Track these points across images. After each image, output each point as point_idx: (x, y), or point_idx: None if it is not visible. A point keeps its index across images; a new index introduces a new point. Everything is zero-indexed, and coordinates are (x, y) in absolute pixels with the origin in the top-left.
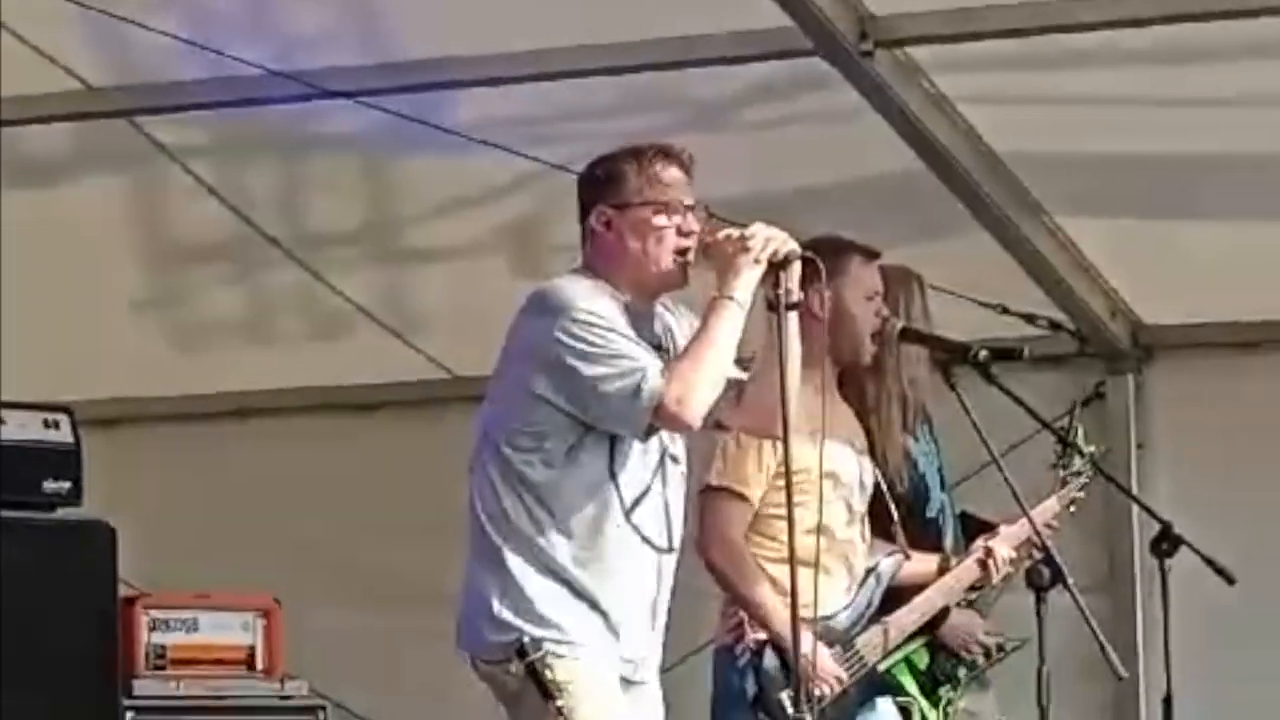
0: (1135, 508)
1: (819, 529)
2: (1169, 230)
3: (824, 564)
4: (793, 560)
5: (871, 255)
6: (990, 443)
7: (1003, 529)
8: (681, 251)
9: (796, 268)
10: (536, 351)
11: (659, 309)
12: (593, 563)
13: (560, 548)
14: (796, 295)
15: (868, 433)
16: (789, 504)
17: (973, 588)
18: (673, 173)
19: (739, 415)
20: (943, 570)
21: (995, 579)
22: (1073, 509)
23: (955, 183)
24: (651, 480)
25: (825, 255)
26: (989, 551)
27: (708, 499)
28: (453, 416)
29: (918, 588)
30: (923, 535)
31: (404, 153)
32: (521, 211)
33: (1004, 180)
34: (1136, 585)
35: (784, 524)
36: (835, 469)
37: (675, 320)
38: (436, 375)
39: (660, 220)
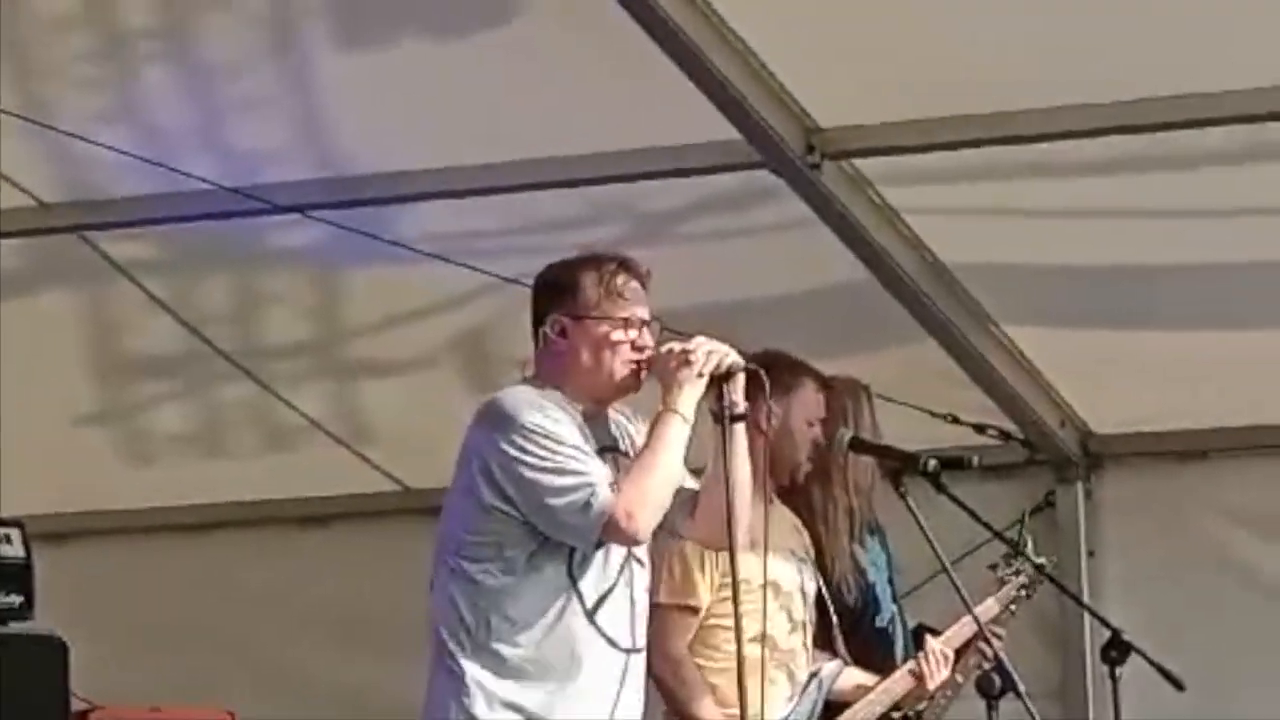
0: (1086, 615)
1: (763, 638)
2: (1117, 339)
3: (767, 673)
4: (741, 673)
5: (825, 384)
6: (941, 551)
7: (945, 633)
8: (636, 364)
9: (740, 380)
10: (486, 463)
11: (613, 413)
12: (555, 666)
13: (520, 653)
14: (742, 407)
15: (815, 541)
16: (736, 616)
17: (919, 698)
18: (631, 286)
19: (694, 526)
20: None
21: (932, 684)
22: (1013, 610)
23: (903, 293)
24: (616, 580)
25: (781, 371)
26: (920, 655)
27: (657, 615)
28: (406, 529)
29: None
30: (874, 646)
31: (355, 266)
32: (473, 323)
33: (952, 290)
34: (1089, 693)
35: (728, 634)
36: (776, 578)
37: (630, 424)
38: (388, 488)
39: (617, 335)
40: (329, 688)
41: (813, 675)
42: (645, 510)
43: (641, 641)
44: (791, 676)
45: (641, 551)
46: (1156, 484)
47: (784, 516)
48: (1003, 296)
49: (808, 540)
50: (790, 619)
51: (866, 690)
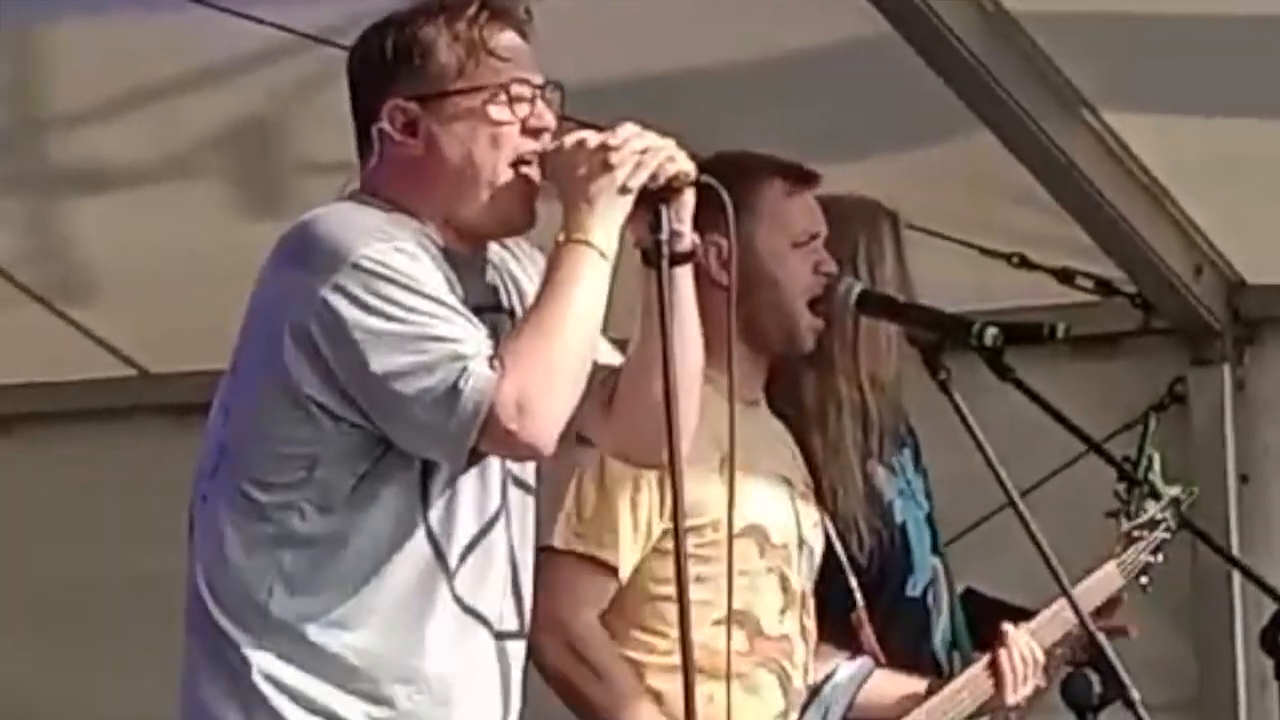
0: (1237, 578)
1: (730, 618)
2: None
3: (745, 674)
4: (687, 667)
5: (804, 180)
6: (1006, 476)
7: (1025, 623)
8: (527, 161)
9: (689, 198)
10: (296, 326)
11: (494, 249)
12: (396, 662)
13: (344, 641)
14: (689, 241)
15: (810, 462)
16: (679, 576)
17: (991, 711)
18: (508, 38)
19: (611, 427)
20: (933, 691)
21: (1014, 696)
22: (1145, 581)
23: (943, 58)
24: (489, 522)
25: (732, 179)
26: (1000, 649)
27: (548, 567)
28: (142, 437)
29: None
30: (899, 625)
31: (56, 13)
32: (252, 110)
33: (1023, 55)
34: (1240, 699)
35: (673, 609)
36: (761, 520)
37: (519, 265)
38: (118, 373)
39: (496, 112)
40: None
41: (825, 679)
42: (547, 398)
43: (527, 619)
44: (785, 680)
45: (527, 471)
46: None
47: (767, 422)
48: (1104, 66)
49: (804, 466)
50: (784, 588)
51: (914, 701)
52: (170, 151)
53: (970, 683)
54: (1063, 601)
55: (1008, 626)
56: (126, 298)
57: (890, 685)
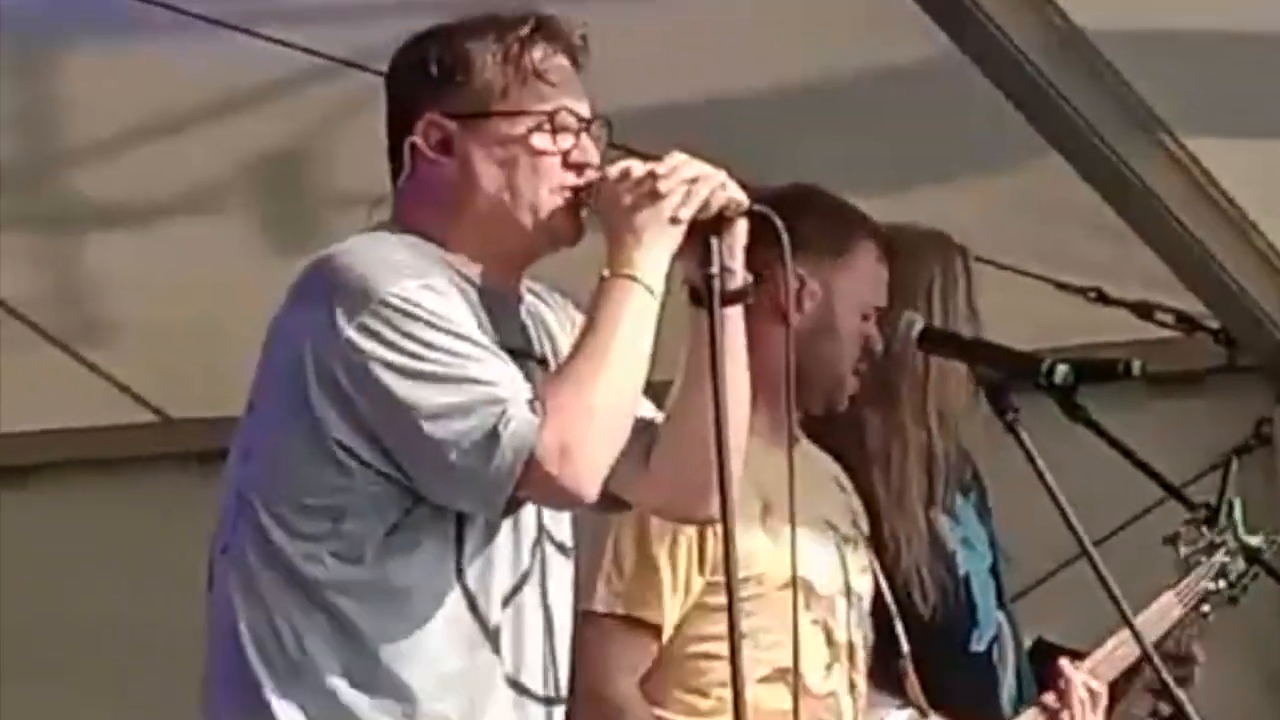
0: None
1: (782, 673)
2: None
3: None
4: None
5: (890, 252)
6: (1078, 523)
7: (1091, 656)
8: (573, 193)
9: (742, 230)
10: (320, 368)
11: (527, 297)
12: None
13: (375, 693)
14: (741, 278)
15: (869, 507)
16: (732, 633)
17: None
18: (558, 62)
19: (648, 483)
20: None
21: None
22: (1206, 613)
23: (1011, 79)
24: (521, 582)
25: (818, 220)
26: (1062, 691)
27: (586, 632)
28: (163, 484)
29: None
30: (965, 680)
31: (75, 40)
32: (279, 137)
33: (1096, 76)
34: None
35: (721, 667)
36: (808, 574)
37: (552, 314)
38: (140, 418)
39: (540, 141)
40: None
41: None
42: (592, 441)
43: (564, 683)
44: None
45: (563, 528)
46: None
47: (818, 465)
48: (1182, 86)
49: (858, 505)
50: (829, 641)
51: None
52: (196, 185)
53: None
54: (1122, 634)
55: (1064, 663)
56: (149, 340)
57: None
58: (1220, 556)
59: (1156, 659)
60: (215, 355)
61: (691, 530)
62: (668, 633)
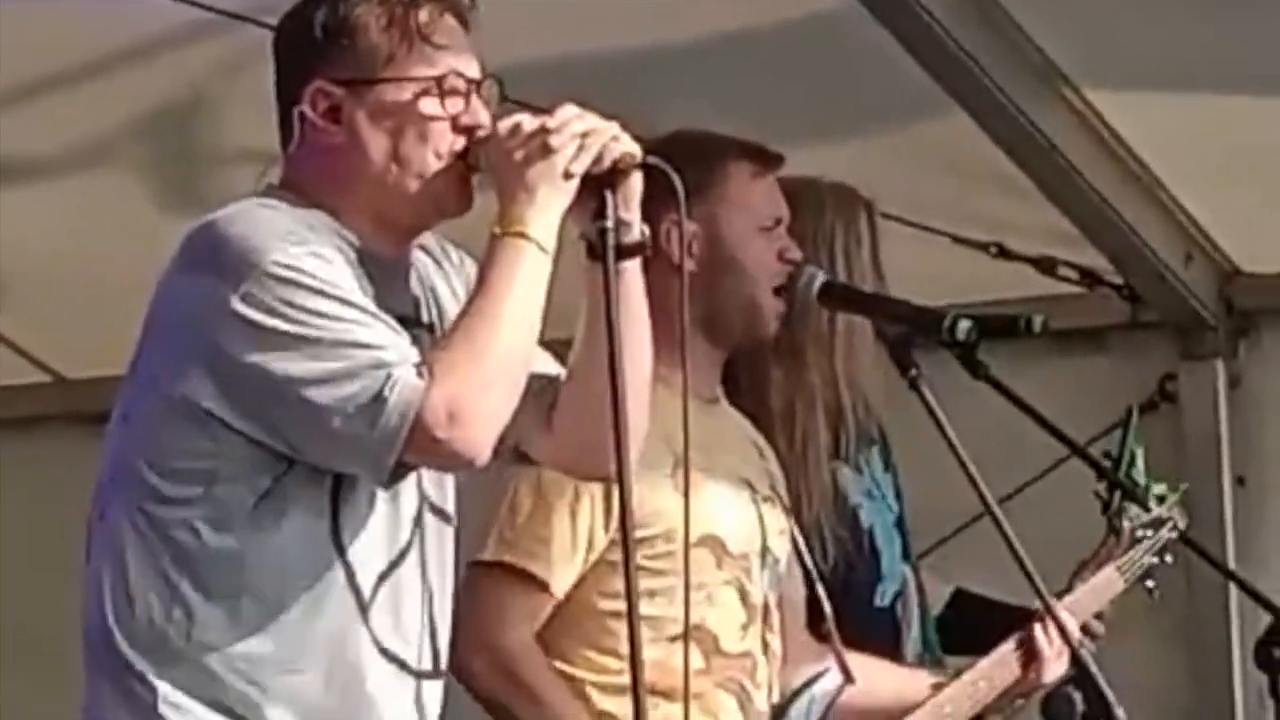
0: (1233, 590)
1: (687, 634)
2: (1278, 119)
3: (702, 694)
4: (637, 689)
5: (768, 162)
6: (982, 481)
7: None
8: (460, 156)
9: (637, 183)
10: (199, 335)
11: (417, 255)
12: (300, 699)
13: (242, 674)
14: (638, 231)
15: (779, 460)
16: (629, 590)
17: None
18: (445, 23)
19: (550, 439)
20: (940, 686)
21: (1050, 674)
22: (1151, 586)
23: (913, 32)
24: (403, 551)
25: (692, 161)
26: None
27: (476, 581)
28: (60, 445)
29: None
30: (867, 636)
31: None
32: (166, 97)
33: (998, 29)
34: (1237, 717)
35: (625, 626)
36: (719, 530)
37: (444, 273)
38: (32, 379)
39: (428, 106)
40: None
41: (791, 698)
42: (481, 403)
43: (443, 657)
44: (746, 700)
45: (447, 498)
46: None
47: (736, 426)
48: (1086, 41)
49: (777, 471)
50: (744, 601)
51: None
52: (86, 141)
53: (992, 669)
54: (1102, 575)
55: (1051, 599)
56: (39, 299)
57: (885, 680)
58: (1166, 533)
59: (1077, 639)
60: (109, 313)
61: (595, 485)
62: (560, 587)
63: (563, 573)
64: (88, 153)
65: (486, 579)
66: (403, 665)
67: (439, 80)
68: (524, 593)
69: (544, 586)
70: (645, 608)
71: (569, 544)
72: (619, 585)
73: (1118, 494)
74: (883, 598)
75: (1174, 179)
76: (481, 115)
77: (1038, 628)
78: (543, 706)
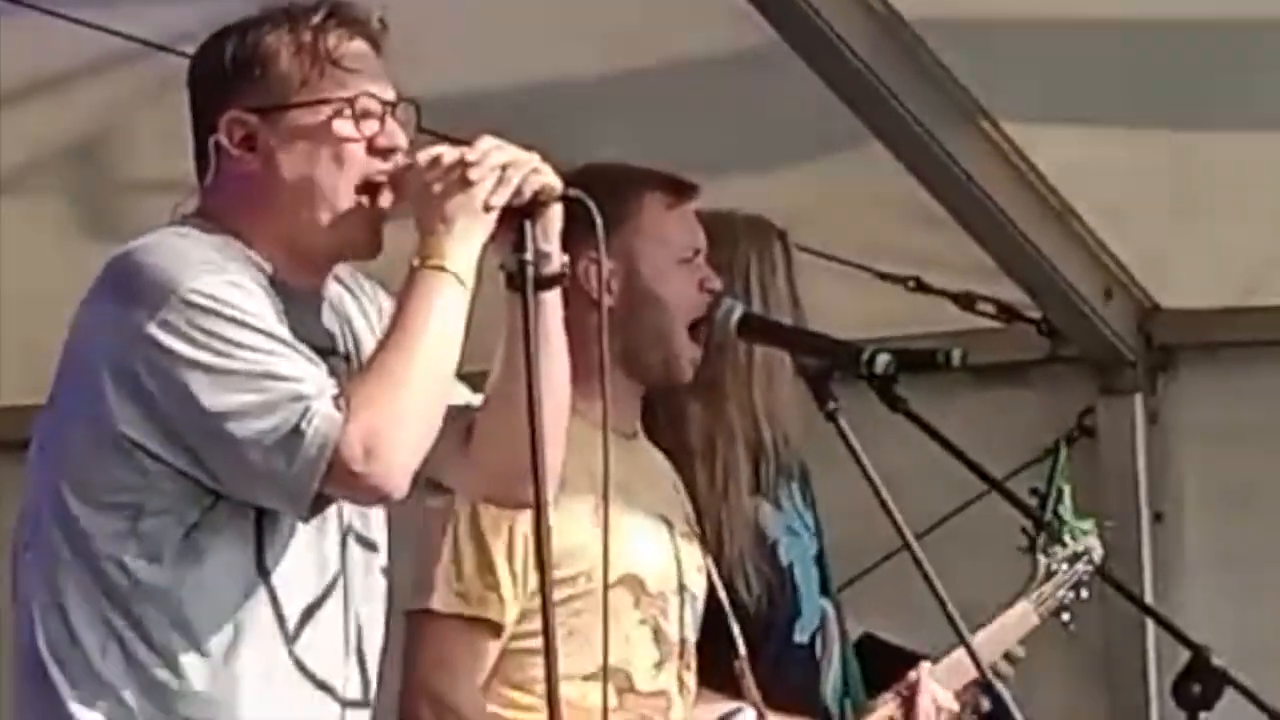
0: (1151, 626)
1: (604, 674)
2: (1203, 146)
3: None
4: None
5: (683, 192)
6: (900, 516)
7: (932, 665)
8: (372, 187)
9: (556, 215)
10: (118, 365)
11: (332, 287)
12: None
13: (173, 704)
14: (558, 262)
15: (694, 498)
16: (546, 628)
17: None
18: (356, 47)
19: (469, 469)
20: None
21: None
22: (1067, 619)
23: (833, 66)
24: (330, 583)
25: (607, 192)
26: (917, 693)
27: (427, 632)
28: None
29: None
30: (787, 676)
31: None
32: (85, 126)
33: (915, 62)
34: None
35: (540, 663)
36: (637, 569)
37: (358, 303)
38: None
39: (342, 128)
40: None
41: None
42: (397, 438)
43: (372, 686)
44: None
45: (373, 528)
46: (1267, 394)
47: (655, 463)
48: (1003, 74)
49: (689, 504)
50: (658, 640)
51: None
52: (3, 169)
53: None
54: (1017, 609)
55: (925, 666)
56: None
57: None
58: (1082, 567)
59: (991, 675)
60: (19, 341)
61: (526, 524)
62: (508, 631)
63: (511, 613)
64: (8, 181)
65: (439, 629)
66: (329, 691)
67: (352, 101)
68: (474, 641)
69: (497, 631)
70: (561, 645)
71: (512, 585)
72: (535, 624)
73: (1040, 529)
74: (802, 633)
75: (1093, 214)
76: (398, 137)
77: (920, 697)
78: None
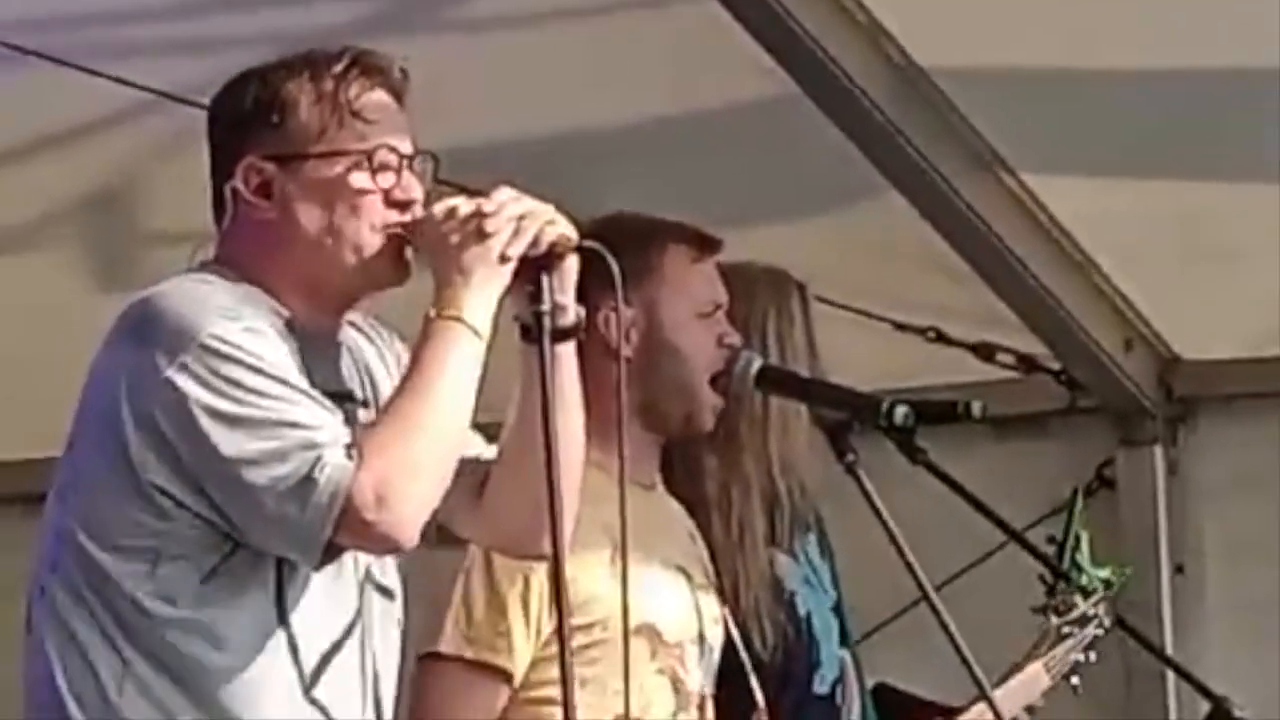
0: (1171, 676)
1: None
2: (1219, 200)
3: None
4: None
5: (707, 246)
6: (919, 568)
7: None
8: (397, 232)
9: (572, 266)
10: (137, 409)
11: (349, 332)
12: None
13: None
14: (573, 314)
15: (710, 549)
16: (564, 678)
17: None
18: (376, 98)
19: (482, 520)
20: None
21: None
22: (1075, 682)
23: (850, 116)
24: (347, 628)
25: (629, 244)
26: None
27: (434, 676)
28: None
29: None
30: None
31: None
32: (100, 178)
33: (935, 113)
34: None
35: (560, 714)
36: (654, 618)
37: (376, 350)
38: None
39: (359, 180)
40: None
41: None
42: (409, 487)
43: None
44: None
45: (389, 575)
46: None
47: (673, 513)
48: (1023, 125)
49: (707, 555)
50: (676, 689)
51: None
52: (17, 221)
53: None
54: (1029, 670)
55: (987, 687)
56: None
57: None
58: (1093, 629)
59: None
60: (39, 394)
61: (543, 571)
62: (519, 678)
63: (523, 662)
64: (20, 233)
65: (445, 674)
66: None
67: (369, 154)
68: (484, 688)
69: (508, 677)
70: (577, 696)
71: (524, 633)
72: (552, 673)
73: (1061, 583)
74: (822, 684)
75: (1113, 265)
76: (414, 190)
77: None
78: None
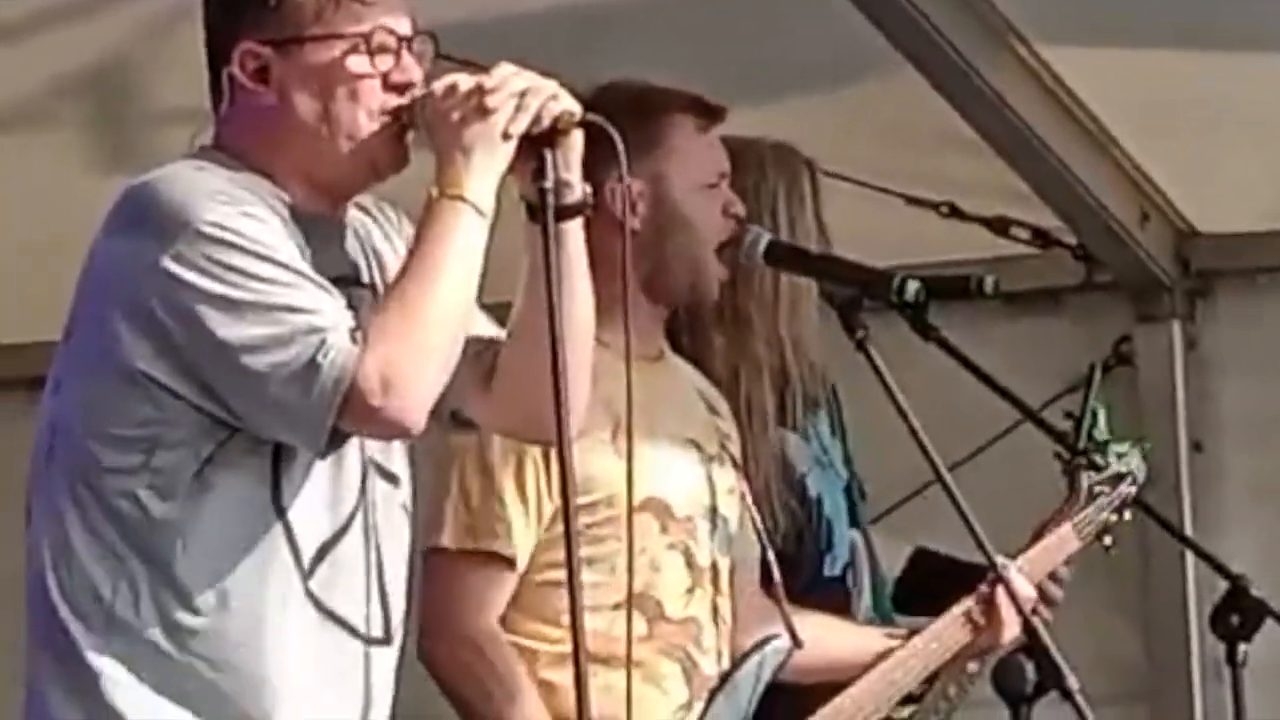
0: (1189, 556)
1: (636, 599)
2: (1236, 74)
3: (644, 662)
4: (580, 667)
5: (712, 114)
6: (932, 443)
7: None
8: (394, 115)
9: (576, 142)
10: (132, 298)
11: (353, 216)
12: (244, 664)
13: (188, 642)
14: (579, 191)
15: None
16: (569, 558)
17: (908, 699)
18: None
19: (492, 403)
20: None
21: (1008, 633)
22: (1108, 543)
23: None
24: (348, 517)
25: (633, 116)
26: (989, 593)
27: (440, 569)
28: None
29: (830, 687)
30: (818, 606)
31: None
32: (98, 54)
33: None
34: (1194, 686)
35: (564, 596)
36: (662, 492)
37: (384, 233)
38: None
39: (357, 64)
40: None
41: (750, 651)
42: (415, 371)
43: (395, 624)
44: (691, 667)
45: (395, 461)
46: None
47: (673, 377)
48: None
49: (728, 426)
50: (689, 566)
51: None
52: (16, 100)
53: (945, 630)
54: (1058, 533)
55: (1004, 561)
56: None
57: (842, 638)
58: (1126, 488)
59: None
60: (41, 276)
61: (538, 451)
62: (523, 563)
63: (524, 547)
64: (15, 114)
65: (449, 566)
66: (351, 630)
67: (367, 36)
68: (488, 576)
69: (510, 564)
70: (585, 575)
71: (524, 517)
72: (559, 555)
73: (1077, 449)
74: (833, 566)
75: (1129, 137)
76: (413, 72)
77: (999, 589)
78: (498, 689)
